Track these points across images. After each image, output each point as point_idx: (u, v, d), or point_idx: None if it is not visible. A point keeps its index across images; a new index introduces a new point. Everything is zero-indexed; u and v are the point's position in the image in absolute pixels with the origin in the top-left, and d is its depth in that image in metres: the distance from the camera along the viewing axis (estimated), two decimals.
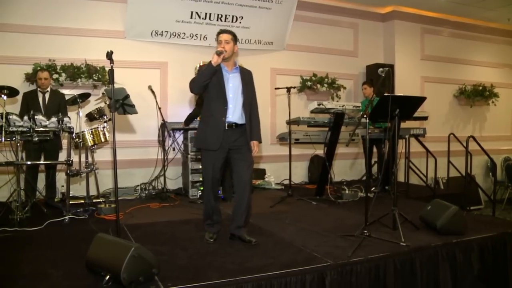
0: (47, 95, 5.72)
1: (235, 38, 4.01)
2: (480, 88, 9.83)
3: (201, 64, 6.41)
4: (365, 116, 4.34)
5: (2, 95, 4.88)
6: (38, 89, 5.72)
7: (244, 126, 4.03)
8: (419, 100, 4.53)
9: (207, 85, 3.91)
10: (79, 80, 6.47)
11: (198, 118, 6.41)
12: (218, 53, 3.79)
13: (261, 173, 7.80)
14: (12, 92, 5.01)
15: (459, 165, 7.63)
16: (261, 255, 3.61)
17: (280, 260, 3.46)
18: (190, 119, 6.45)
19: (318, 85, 8.28)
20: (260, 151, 7.47)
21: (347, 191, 6.29)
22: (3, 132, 4.58)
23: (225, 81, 3.97)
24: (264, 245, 3.90)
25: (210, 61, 3.83)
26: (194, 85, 3.95)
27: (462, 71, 9.92)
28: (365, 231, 4.07)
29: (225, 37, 3.94)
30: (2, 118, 4.61)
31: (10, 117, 4.67)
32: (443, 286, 3.83)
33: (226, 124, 3.94)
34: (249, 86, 4.10)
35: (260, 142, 4.14)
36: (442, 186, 8.66)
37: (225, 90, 3.95)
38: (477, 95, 9.81)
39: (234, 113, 3.97)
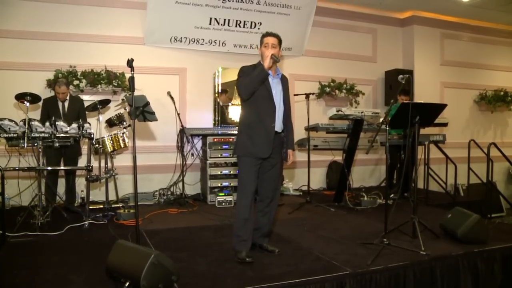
0: (66, 103, 5.79)
1: (280, 43, 3.80)
2: (502, 93, 9.65)
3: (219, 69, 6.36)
4: (385, 123, 4.30)
5: (25, 102, 4.95)
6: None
7: (281, 134, 3.90)
8: (440, 107, 4.48)
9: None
10: (99, 86, 6.53)
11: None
12: (276, 59, 3.62)
13: None
14: (34, 99, 5.08)
15: (480, 171, 7.53)
16: (280, 263, 3.60)
17: (299, 268, 3.46)
18: None
19: (337, 91, 8.24)
20: None
21: (365, 198, 6.24)
22: (25, 138, 4.64)
23: (272, 87, 3.79)
24: (283, 253, 3.89)
25: (261, 65, 3.66)
26: (246, 91, 3.69)
27: (483, 76, 9.77)
28: (385, 239, 4.03)
29: (272, 40, 3.72)
30: (24, 124, 4.68)
31: (32, 123, 4.74)
32: None
33: (275, 131, 3.79)
34: (287, 93, 3.95)
35: (293, 150, 4.06)
36: (462, 193, 8.53)
37: (273, 96, 3.77)
38: (498, 101, 9.64)
39: (277, 121, 3.80)
